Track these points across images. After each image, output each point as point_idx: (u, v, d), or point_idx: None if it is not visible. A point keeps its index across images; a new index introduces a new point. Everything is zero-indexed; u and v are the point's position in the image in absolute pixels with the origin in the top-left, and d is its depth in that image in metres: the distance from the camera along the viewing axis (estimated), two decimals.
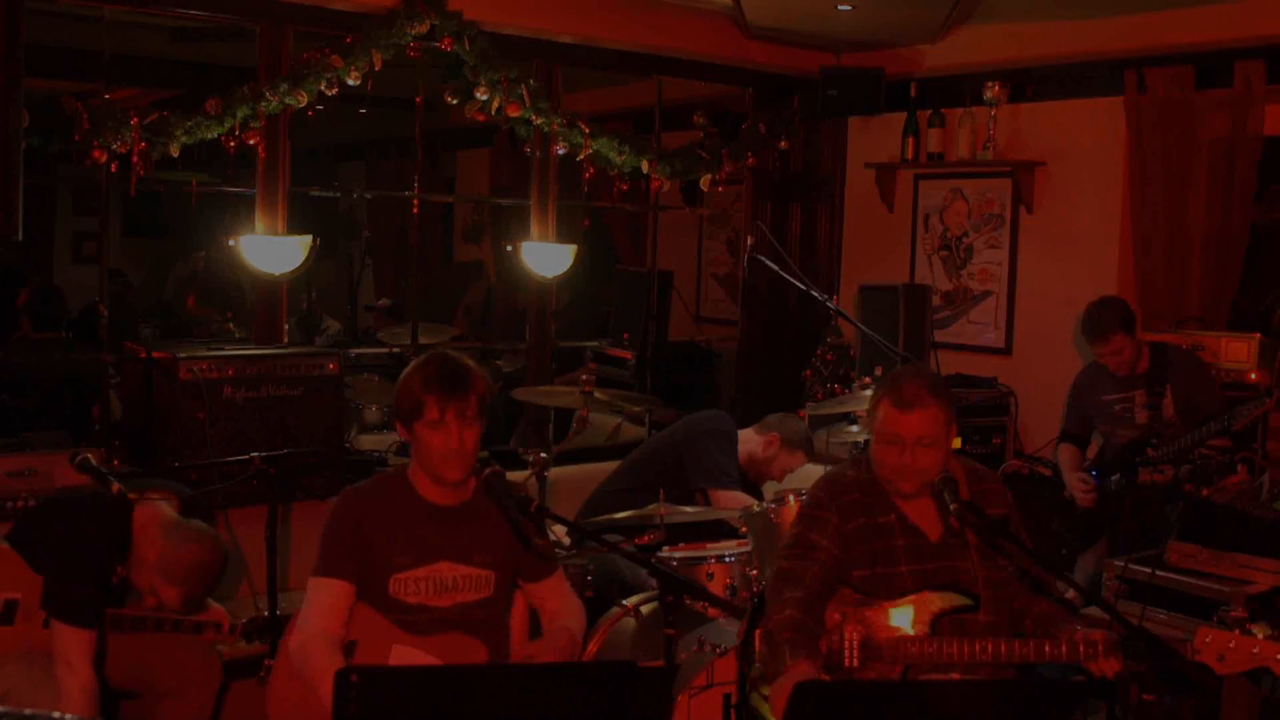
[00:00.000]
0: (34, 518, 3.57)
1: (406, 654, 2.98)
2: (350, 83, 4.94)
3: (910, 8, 5.73)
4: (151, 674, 3.62)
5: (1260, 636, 2.65)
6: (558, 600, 3.24)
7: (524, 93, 5.37)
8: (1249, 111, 5.36)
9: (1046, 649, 2.84)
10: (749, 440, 5.00)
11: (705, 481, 4.77)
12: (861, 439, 4.68)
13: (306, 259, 5.13)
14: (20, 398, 4.99)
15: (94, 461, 3.68)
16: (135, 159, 4.57)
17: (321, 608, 2.96)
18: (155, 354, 4.66)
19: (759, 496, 4.85)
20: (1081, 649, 2.79)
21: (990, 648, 2.84)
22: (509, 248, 6.25)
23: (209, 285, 7.86)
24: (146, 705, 3.65)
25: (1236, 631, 2.71)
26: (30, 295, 5.82)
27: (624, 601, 4.00)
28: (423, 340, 5.90)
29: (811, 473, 4.38)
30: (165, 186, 4.85)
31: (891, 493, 3.06)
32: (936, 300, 6.57)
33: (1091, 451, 5.27)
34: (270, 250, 5.05)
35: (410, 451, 3.08)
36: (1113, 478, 4.88)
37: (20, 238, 4.37)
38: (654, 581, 3.45)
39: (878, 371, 5.45)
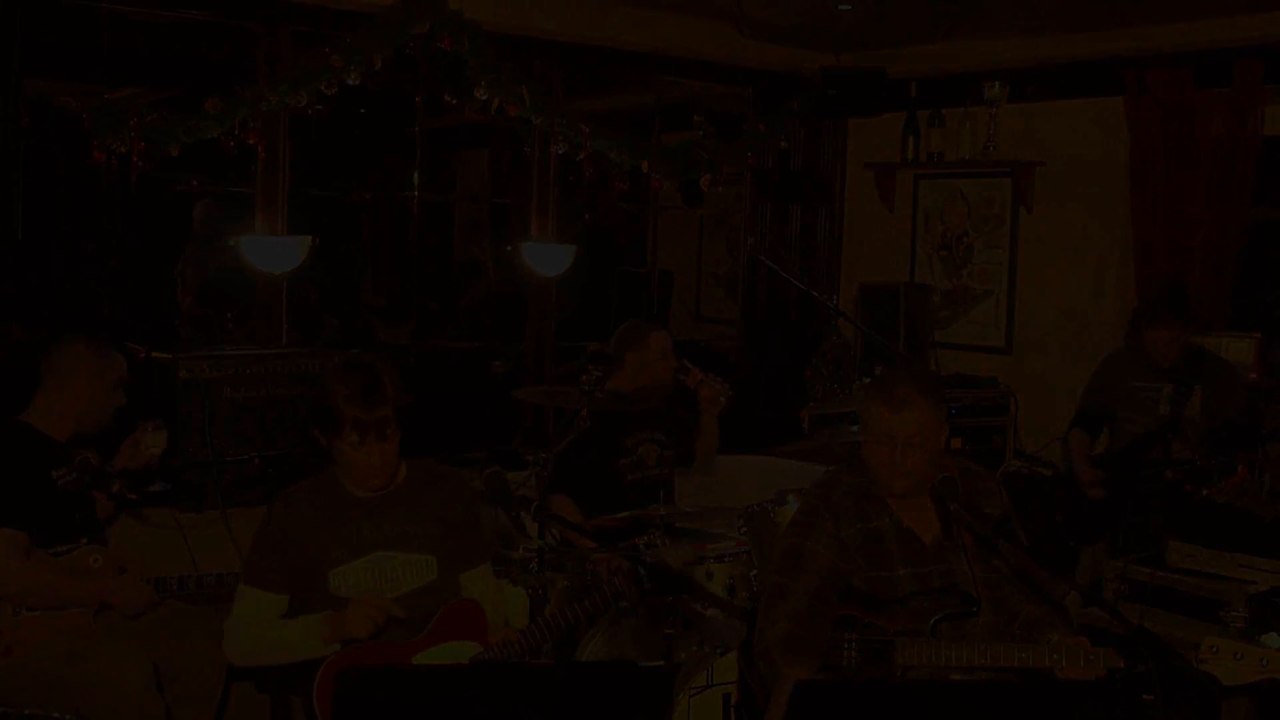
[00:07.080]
0: None
1: None
2: (350, 83, 4.95)
3: (910, 8, 5.72)
4: (160, 659, 3.61)
5: (1271, 648, 2.62)
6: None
7: (524, 93, 5.37)
8: (1249, 111, 5.36)
9: (1047, 657, 2.82)
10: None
11: None
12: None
13: (305, 259, 5.12)
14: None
15: (94, 461, 3.69)
16: (135, 159, 4.57)
17: (252, 618, 2.98)
18: (155, 354, 4.66)
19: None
20: (1049, 658, 2.73)
21: (989, 654, 2.82)
22: (509, 248, 6.25)
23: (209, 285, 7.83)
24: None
25: (1244, 642, 2.68)
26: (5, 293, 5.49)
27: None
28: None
29: (811, 473, 4.37)
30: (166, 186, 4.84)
31: (885, 494, 3.06)
32: (936, 300, 6.57)
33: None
34: (270, 250, 5.04)
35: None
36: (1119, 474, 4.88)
37: (20, 237, 4.36)
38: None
39: (878, 371, 5.45)
